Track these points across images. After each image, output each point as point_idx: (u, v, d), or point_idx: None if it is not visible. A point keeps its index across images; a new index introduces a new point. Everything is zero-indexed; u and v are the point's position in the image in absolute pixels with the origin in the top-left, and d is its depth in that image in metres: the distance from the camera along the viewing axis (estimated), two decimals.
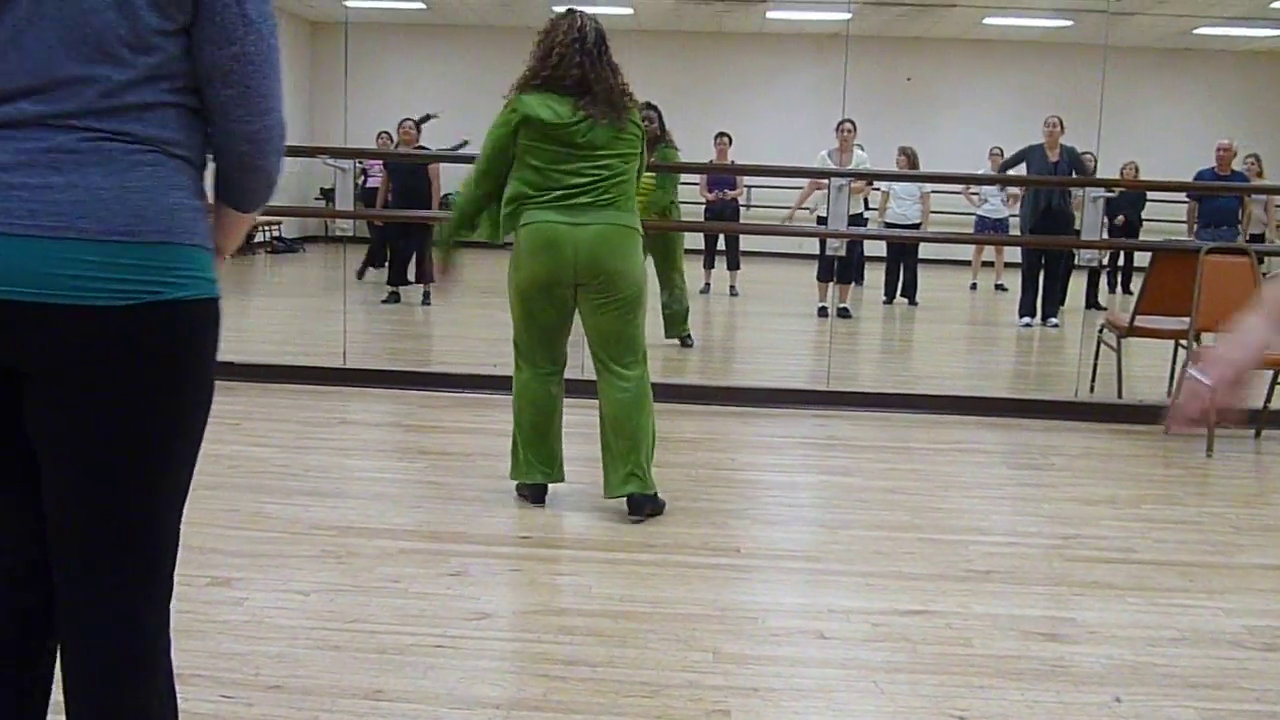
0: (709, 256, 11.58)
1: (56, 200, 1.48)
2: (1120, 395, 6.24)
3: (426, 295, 9.88)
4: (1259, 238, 10.71)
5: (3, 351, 1.53)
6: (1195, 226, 10.11)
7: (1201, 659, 2.98)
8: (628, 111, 3.95)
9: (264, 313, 9.70)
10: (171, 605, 1.71)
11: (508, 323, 4.20)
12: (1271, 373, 5.58)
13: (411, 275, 10.09)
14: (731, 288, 11.48)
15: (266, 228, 14.89)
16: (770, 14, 15.67)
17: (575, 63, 3.86)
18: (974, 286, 12.94)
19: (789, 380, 6.60)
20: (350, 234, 6.23)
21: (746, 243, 11.92)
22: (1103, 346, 6.47)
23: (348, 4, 10.76)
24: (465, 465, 4.67)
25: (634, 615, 3.12)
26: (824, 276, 9.71)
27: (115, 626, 1.63)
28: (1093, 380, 6.46)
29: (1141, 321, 6.13)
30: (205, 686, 2.59)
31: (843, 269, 9.73)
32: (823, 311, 9.70)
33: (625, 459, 3.95)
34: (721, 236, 11.54)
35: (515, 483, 4.16)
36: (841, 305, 9.82)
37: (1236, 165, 10.29)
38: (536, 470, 4.11)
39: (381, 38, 15.58)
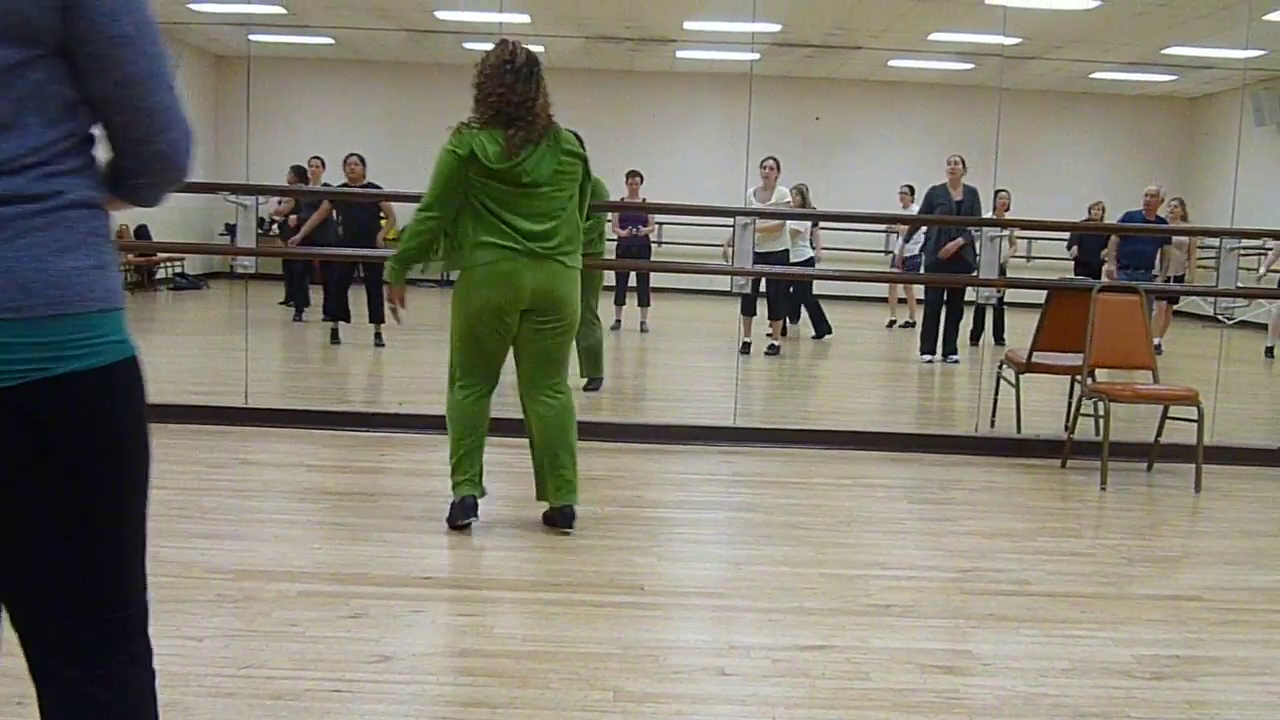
0: (620, 293, 11.63)
1: None
2: (1019, 430, 6.39)
3: (378, 336, 9.61)
4: (1180, 279, 11.04)
5: None
6: (1114, 267, 10.40)
7: (1091, 689, 3.04)
8: (559, 134, 4.12)
9: (165, 350, 9.49)
10: None
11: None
12: (1162, 407, 5.76)
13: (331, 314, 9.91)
14: (642, 324, 11.53)
15: (169, 264, 14.64)
16: (680, 54, 15.86)
17: (505, 84, 4.01)
18: (891, 324, 13.07)
19: (696, 417, 6.63)
20: (253, 271, 6.14)
21: (657, 279, 12.00)
22: (1002, 382, 6.62)
23: (252, 38, 10.66)
24: (369, 506, 4.61)
25: (535, 655, 3.11)
26: (747, 311, 9.86)
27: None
28: (993, 415, 6.60)
29: (1039, 358, 6.29)
30: None
31: (771, 305, 9.95)
32: (745, 348, 9.83)
33: (557, 470, 4.24)
34: (633, 273, 11.60)
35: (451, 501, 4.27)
36: (773, 343, 9.97)
37: (1161, 210, 10.63)
38: (471, 485, 4.26)
39: (287, 72, 15.46)
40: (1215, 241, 6.50)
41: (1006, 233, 9.22)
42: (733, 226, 6.06)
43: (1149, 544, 4.61)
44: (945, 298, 9.96)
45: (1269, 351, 11.45)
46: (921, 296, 12.29)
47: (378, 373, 8.75)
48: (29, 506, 1.54)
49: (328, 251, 9.74)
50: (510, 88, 4.01)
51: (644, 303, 11.56)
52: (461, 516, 4.22)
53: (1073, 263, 11.56)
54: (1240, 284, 6.46)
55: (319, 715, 2.68)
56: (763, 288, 9.91)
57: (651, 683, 2.95)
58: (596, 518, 4.46)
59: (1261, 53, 14.36)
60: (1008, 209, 11.54)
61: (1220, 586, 4.02)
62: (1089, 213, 11.91)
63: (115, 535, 1.62)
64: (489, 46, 4.14)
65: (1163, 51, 14.67)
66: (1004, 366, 6.64)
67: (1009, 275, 10.33)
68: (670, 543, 4.27)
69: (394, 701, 2.79)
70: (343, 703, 2.75)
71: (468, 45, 13.81)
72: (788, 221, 9.79)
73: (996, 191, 11.32)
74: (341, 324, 9.68)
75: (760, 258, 9.58)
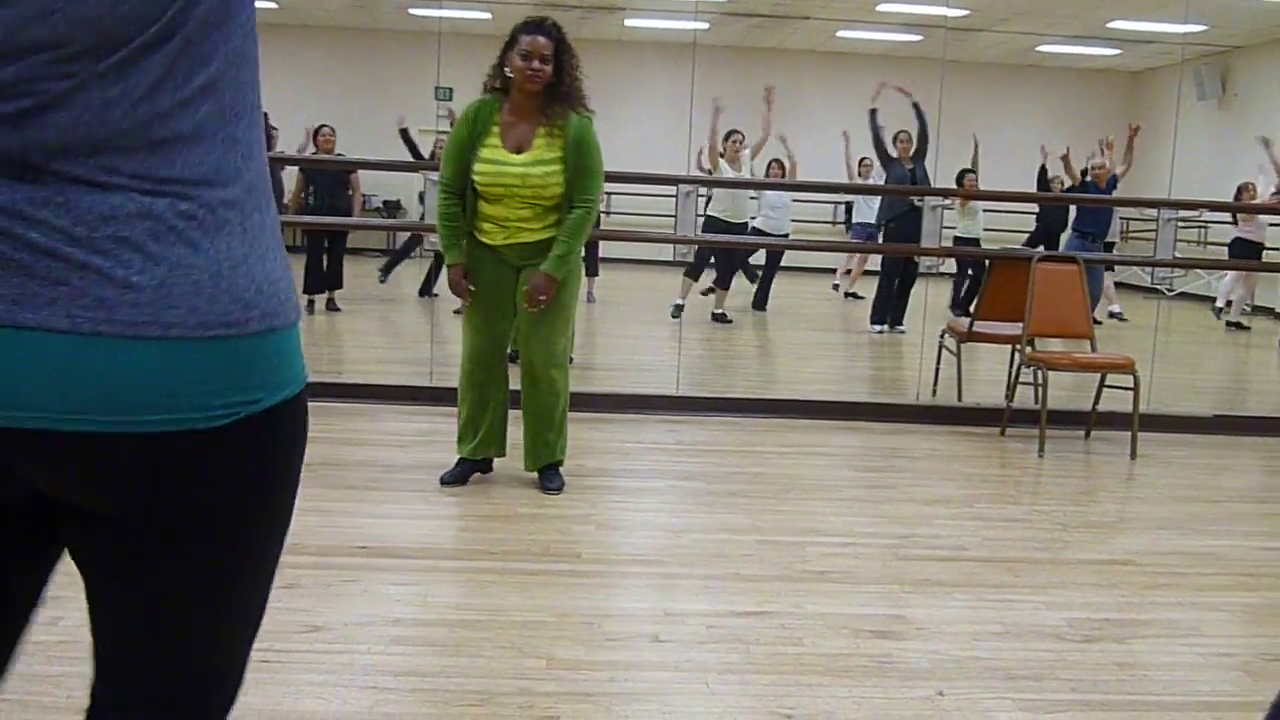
0: None
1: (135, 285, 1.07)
2: (960, 398, 6.43)
3: (331, 302, 9.85)
4: (1109, 245, 11.24)
5: (42, 481, 1.14)
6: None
7: (1022, 652, 3.07)
8: None
9: None
10: None
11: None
12: (1100, 375, 5.82)
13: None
14: (589, 294, 11.48)
15: None
16: (628, 22, 15.77)
17: None
18: (835, 288, 13.16)
19: (640, 386, 6.62)
20: None
21: (604, 249, 11.95)
22: (944, 351, 6.66)
23: None
24: (306, 475, 4.52)
25: (469, 624, 3.09)
26: (692, 274, 10.09)
27: None
28: (935, 384, 6.64)
29: (980, 327, 6.33)
30: (12, 712, 2.48)
31: (721, 274, 10.06)
32: (678, 310, 9.92)
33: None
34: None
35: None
36: (718, 311, 10.05)
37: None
38: None
39: None
40: (1155, 213, 6.55)
41: (950, 202, 9.26)
42: (676, 195, 6.03)
43: (1084, 510, 4.67)
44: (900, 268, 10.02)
45: (1231, 324, 11.73)
46: (870, 267, 12.40)
47: (321, 343, 8.65)
48: (156, 577, 1.22)
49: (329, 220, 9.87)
50: None
51: (592, 273, 11.51)
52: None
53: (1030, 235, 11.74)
54: (1178, 255, 6.51)
55: (247, 686, 2.61)
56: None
57: (585, 650, 2.94)
58: (536, 486, 4.43)
59: (1202, 28, 14.53)
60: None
61: (1152, 551, 4.08)
62: (1050, 186, 12.03)
63: (234, 615, 1.34)
64: (434, 14, 4.17)
65: (1106, 25, 14.80)
66: (946, 336, 6.67)
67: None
68: (609, 511, 4.26)
69: (323, 671, 2.75)
70: (271, 673, 2.72)
71: (414, 11, 13.64)
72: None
73: (962, 171, 11.48)
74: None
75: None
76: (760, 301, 11.32)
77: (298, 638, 2.94)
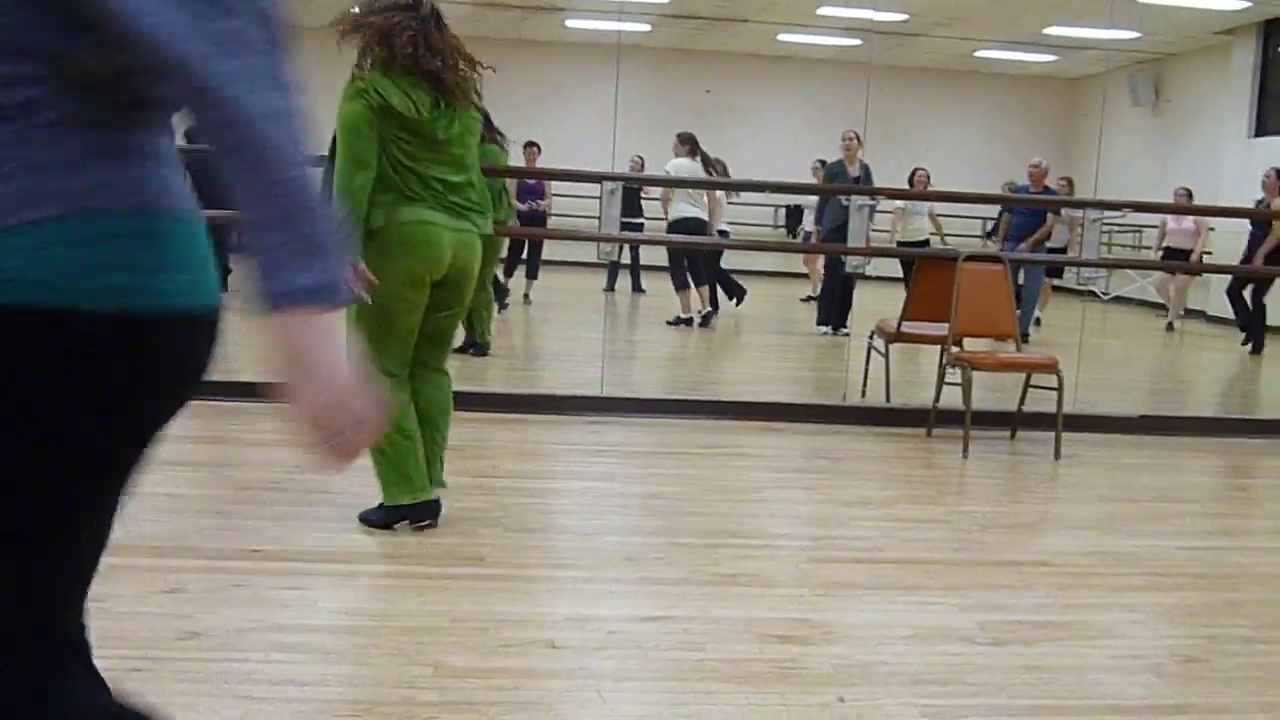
0: (512, 265, 11.36)
1: None
2: (888, 399, 6.38)
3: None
4: (1063, 250, 11.29)
5: None
6: (1004, 239, 10.56)
7: (930, 655, 2.99)
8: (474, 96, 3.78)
9: None
10: None
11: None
12: (1025, 375, 5.78)
13: None
14: (526, 295, 11.35)
15: None
16: (569, 22, 15.65)
17: (426, 46, 3.58)
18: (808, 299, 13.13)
19: (566, 387, 6.51)
20: None
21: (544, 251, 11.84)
22: (873, 352, 6.60)
23: None
24: (209, 476, 4.40)
25: (358, 630, 2.96)
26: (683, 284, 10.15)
27: None
28: (864, 385, 6.58)
29: (907, 327, 6.29)
30: None
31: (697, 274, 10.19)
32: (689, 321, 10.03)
33: (442, 450, 4.00)
34: (527, 246, 11.39)
35: (403, 506, 3.77)
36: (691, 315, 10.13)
37: (1049, 184, 10.86)
38: (427, 485, 3.82)
39: None
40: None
41: (877, 202, 9.25)
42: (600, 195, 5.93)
43: (1004, 510, 4.62)
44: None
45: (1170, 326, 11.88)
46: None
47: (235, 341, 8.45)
48: None
49: None
50: (439, 52, 3.60)
51: (532, 275, 11.38)
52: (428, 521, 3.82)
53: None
54: (1108, 257, 6.51)
55: None
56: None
57: (476, 657, 2.82)
58: (446, 489, 4.30)
59: (1136, 35, 14.68)
60: (927, 185, 11.68)
61: (1070, 552, 4.02)
62: (1004, 189, 12.14)
63: None
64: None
65: (1043, 32, 14.89)
66: (874, 336, 6.62)
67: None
68: (520, 514, 4.14)
69: (195, 680, 2.61)
70: (142, 682, 2.57)
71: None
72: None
73: (915, 170, 11.53)
74: None
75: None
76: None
77: (174, 645, 2.79)
